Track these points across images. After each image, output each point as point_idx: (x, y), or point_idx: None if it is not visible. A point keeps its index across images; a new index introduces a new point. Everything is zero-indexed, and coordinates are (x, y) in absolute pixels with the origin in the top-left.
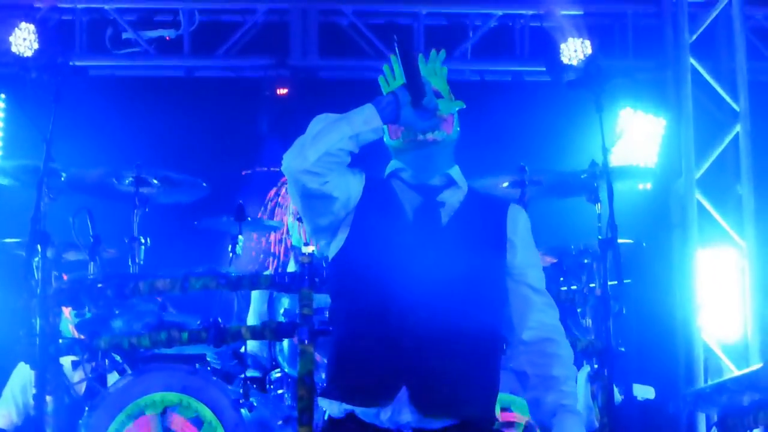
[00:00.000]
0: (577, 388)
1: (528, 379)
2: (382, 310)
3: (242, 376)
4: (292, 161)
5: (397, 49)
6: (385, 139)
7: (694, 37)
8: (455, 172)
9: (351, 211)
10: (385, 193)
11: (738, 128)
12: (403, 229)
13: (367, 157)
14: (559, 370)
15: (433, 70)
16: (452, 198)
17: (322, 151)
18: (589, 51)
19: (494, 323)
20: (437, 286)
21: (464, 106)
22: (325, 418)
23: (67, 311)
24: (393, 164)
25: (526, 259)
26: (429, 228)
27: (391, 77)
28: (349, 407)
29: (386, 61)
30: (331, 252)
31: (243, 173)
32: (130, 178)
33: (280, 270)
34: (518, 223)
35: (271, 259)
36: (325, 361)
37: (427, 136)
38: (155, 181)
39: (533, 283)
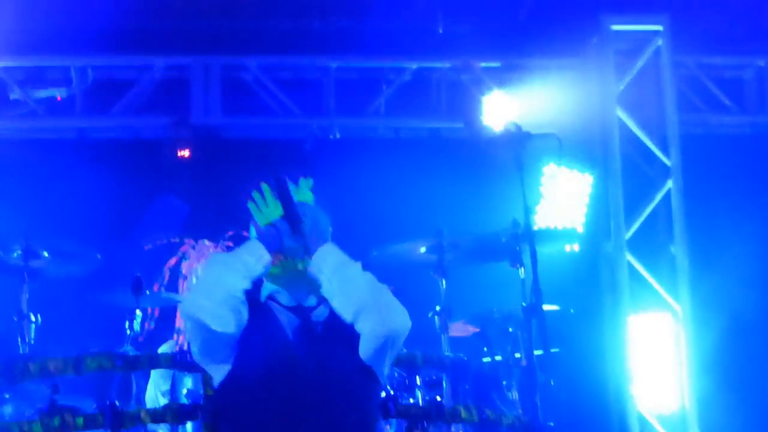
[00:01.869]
0: None
1: None
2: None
3: None
4: (194, 308)
5: (274, 186)
6: None
7: (621, 87)
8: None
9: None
10: (266, 316)
11: (669, 184)
12: (284, 348)
13: None
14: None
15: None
16: (323, 312)
17: (223, 296)
18: (510, 106)
19: (371, 402)
20: (319, 393)
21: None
22: None
23: None
24: (268, 287)
25: None
26: (307, 344)
27: (263, 204)
28: None
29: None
30: (220, 374)
31: (145, 248)
32: (18, 251)
33: (186, 347)
34: None
35: (176, 335)
36: None
37: (306, 264)
38: (45, 254)
39: None
